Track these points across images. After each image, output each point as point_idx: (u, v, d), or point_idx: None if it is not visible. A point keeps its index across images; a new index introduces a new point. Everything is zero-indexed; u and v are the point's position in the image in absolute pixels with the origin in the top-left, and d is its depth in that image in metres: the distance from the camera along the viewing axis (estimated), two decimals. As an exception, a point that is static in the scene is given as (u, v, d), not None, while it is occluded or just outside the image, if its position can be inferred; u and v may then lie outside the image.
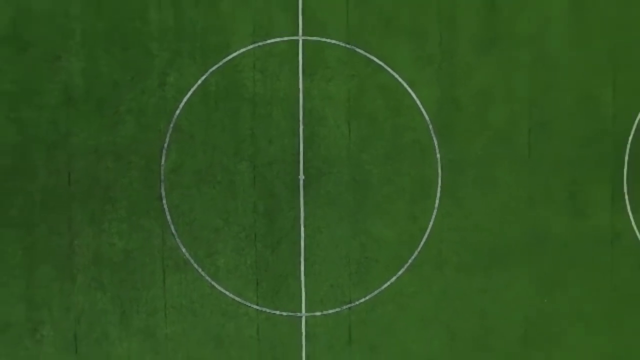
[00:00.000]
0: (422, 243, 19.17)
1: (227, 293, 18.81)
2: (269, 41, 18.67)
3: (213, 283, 18.79)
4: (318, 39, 18.73)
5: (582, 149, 19.45)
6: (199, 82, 18.63)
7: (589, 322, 19.59)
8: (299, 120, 18.72)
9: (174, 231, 18.68)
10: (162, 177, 18.60)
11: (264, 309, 18.88)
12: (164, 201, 18.62)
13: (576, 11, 19.15)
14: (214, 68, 18.61)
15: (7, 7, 18.05)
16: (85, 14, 18.32)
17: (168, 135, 18.57)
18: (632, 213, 19.47)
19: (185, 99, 18.59)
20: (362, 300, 19.08)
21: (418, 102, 18.96)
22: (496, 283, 19.47)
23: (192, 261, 18.73)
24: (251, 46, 18.65)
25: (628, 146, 19.43)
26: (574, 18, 19.20)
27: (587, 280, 19.57)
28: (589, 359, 19.63)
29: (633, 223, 19.51)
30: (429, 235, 19.18)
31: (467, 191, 19.27)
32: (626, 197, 19.52)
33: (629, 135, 19.44)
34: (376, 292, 19.11)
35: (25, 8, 18.13)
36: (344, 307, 19.04)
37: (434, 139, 19.05)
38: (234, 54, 18.62)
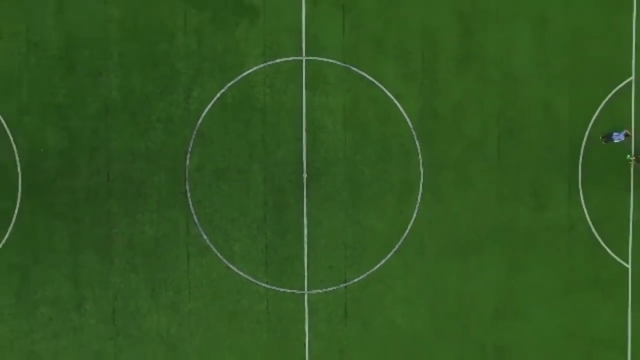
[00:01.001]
0: (406, 232, 22.22)
1: (241, 274, 21.86)
2: (276, 61, 21.67)
3: (229, 265, 21.83)
4: (318, 59, 21.73)
5: (544, 152, 22.49)
6: (218, 95, 21.59)
7: (550, 298, 22.66)
8: (302, 128, 21.71)
9: (196, 221, 21.68)
10: (187, 175, 21.60)
11: (272, 287, 21.92)
12: (188, 196, 21.64)
13: (537, 36, 22.21)
14: (230, 84, 21.58)
15: (60, 34, 21.00)
16: (122, 39, 21.25)
17: (192, 140, 21.57)
18: (586, 206, 22.55)
19: (206, 110, 21.59)
20: (356, 280, 22.15)
21: (403, 112, 22.01)
22: (470, 266, 22.49)
23: (211, 247, 21.77)
24: (262, 65, 21.64)
25: (582, 150, 22.51)
26: (535, 42, 22.25)
27: (547, 263, 22.63)
28: (550, 330, 22.72)
29: (586, 215, 22.60)
30: (412, 226, 22.20)
31: (445, 189, 22.28)
32: (581, 193, 22.59)
33: (583, 141, 22.50)
34: (368, 273, 22.17)
35: (74, 34, 21.03)
36: (341, 285, 22.09)
37: (417, 144, 22.09)
38: (247, 72, 21.61)
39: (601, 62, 22.42)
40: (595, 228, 22.64)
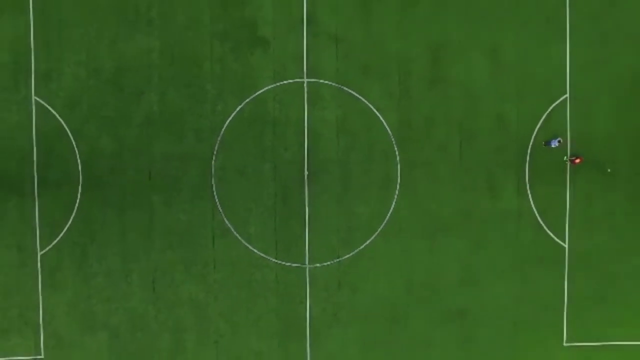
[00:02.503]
0: (387, 218, 27.68)
1: (255, 251, 27.33)
2: (283, 82, 27.15)
3: (246, 244, 27.30)
4: (317, 80, 27.24)
5: (497, 155, 27.93)
6: (237, 110, 27.09)
7: (502, 271, 28.00)
8: (304, 136, 27.19)
9: (220, 209, 27.15)
10: (213, 173, 27.09)
11: (280, 262, 27.37)
12: (214, 189, 27.13)
13: (490, 62, 27.62)
14: (247, 100, 27.09)
15: (112, 62, 26.57)
16: (161, 65, 26.74)
17: (216, 145, 27.05)
18: (531, 198, 27.99)
19: (227, 121, 27.09)
20: (347, 256, 27.60)
21: (384, 123, 27.50)
22: (439, 245, 27.88)
23: (232, 229, 27.24)
24: (271, 86, 27.14)
25: (528, 153, 27.95)
26: (489, 67, 27.66)
27: (500, 243, 27.98)
28: (502, 296, 27.97)
29: (532, 204, 27.99)
30: (392, 213, 27.67)
31: (418, 183, 27.71)
32: (527, 187, 28.03)
33: (529, 146, 27.94)
34: (356, 251, 27.62)
35: (123, 62, 26.58)
36: (335, 260, 27.53)
37: (395, 148, 27.58)
38: (261, 91, 27.13)
39: (542, 83, 27.84)
40: (538, 215, 28.05)
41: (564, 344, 28.39)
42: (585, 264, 28.23)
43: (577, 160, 27.64)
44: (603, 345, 28.45)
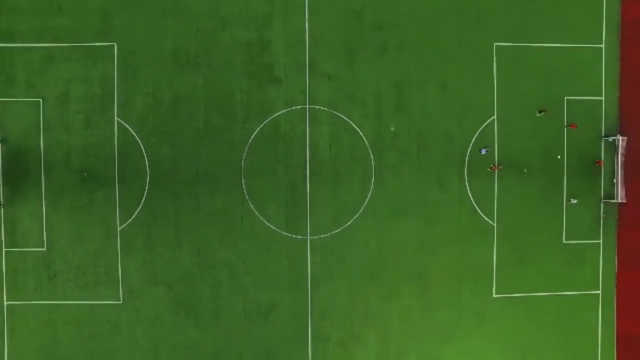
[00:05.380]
0: (365, 204, 38.43)
1: (272, 227, 38.04)
2: (292, 108, 37.93)
3: (265, 222, 38.04)
4: (315, 107, 38.09)
5: (445, 159, 38.66)
6: (259, 127, 37.87)
7: (448, 242, 38.61)
8: (306, 146, 38.01)
9: (247, 198, 37.96)
10: (242, 172, 37.86)
11: (289, 235, 38.08)
12: (243, 183, 37.88)
13: (440, 93, 38.39)
14: (266, 121, 37.88)
15: (170, 93, 37.49)
16: (205, 95, 37.54)
17: (245, 152, 37.79)
18: (469, 190, 38.77)
19: (252, 136, 37.85)
20: (337, 231, 38.34)
21: (363, 137, 38.31)
22: (402, 224, 38.54)
23: (255, 212, 37.99)
24: (284, 111, 37.93)
25: (467, 157, 38.77)
26: (440, 96, 38.42)
27: (447, 222, 38.53)
28: (449, 262, 38.49)
29: (470, 194, 38.80)
30: (368, 200, 38.41)
31: (387, 180, 38.40)
32: (466, 182, 38.79)
33: (467, 153, 38.76)
34: (343, 227, 38.29)
35: (178, 92, 37.44)
36: (328, 234, 38.27)
37: (371, 154, 38.39)
38: (276, 114, 37.90)
39: (477, 107, 38.51)
40: (474, 202, 38.68)
41: (494, 295, 38.99)
42: (508, 237, 38.84)
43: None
44: (521, 296, 39.08)
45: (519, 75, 38.71)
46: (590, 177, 39.39)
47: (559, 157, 38.99)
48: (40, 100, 37.16)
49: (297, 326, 38.14)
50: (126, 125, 37.47)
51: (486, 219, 38.82)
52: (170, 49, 37.34)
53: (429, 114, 38.48)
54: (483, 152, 38.46)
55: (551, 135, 39.03)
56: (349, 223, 38.41)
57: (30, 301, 37.43)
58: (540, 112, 38.57)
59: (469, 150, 38.69)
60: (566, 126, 38.95)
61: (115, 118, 37.43)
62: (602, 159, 39.42)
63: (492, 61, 38.59)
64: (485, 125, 38.73)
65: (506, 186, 38.87)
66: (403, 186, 38.52)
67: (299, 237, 38.19)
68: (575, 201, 38.88)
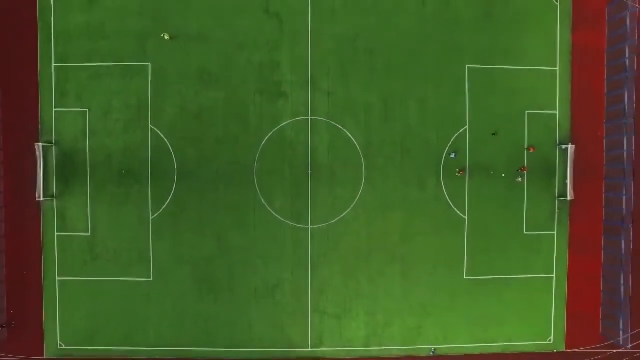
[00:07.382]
0: (357, 198, 45.45)
1: (279, 217, 45.10)
2: (296, 119, 44.98)
3: (273, 213, 45.14)
4: (316, 117, 45.21)
5: (424, 161, 45.72)
6: (269, 135, 44.93)
7: (426, 233, 45.26)
8: (308, 151, 45.10)
9: (258, 193, 45.05)
10: (254, 172, 44.90)
11: (293, 224, 45.16)
12: (255, 181, 44.95)
13: (420, 107, 45.34)
14: (275, 129, 44.90)
15: (194, 105, 44.87)
16: (224, 107, 44.55)
17: (257, 155, 44.83)
18: (444, 188, 45.88)
19: (263, 141, 44.92)
20: (333, 221, 45.41)
21: (355, 143, 45.49)
22: (388, 216, 45.29)
23: (265, 204, 45.12)
24: (289, 120, 44.95)
25: (442, 161, 45.82)
26: (420, 109, 45.30)
27: (424, 216, 45.29)
28: (426, 249, 45.27)
29: (445, 192, 45.90)
30: (359, 196, 45.45)
31: (375, 179, 45.31)
32: (442, 181, 45.83)
33: (442, 157, 45.81)
34: (338, 218, 45.32)
35: (201, 105, 44.64)
36: (326, 224, 45.45)
37: (362, 158, 45.49)
38: (283, 124, 44.91)
39: (451, 118, 45.13)
40: (449, 198, 45.55)
41: (464, 277, 45.91)
42: (477, 228, 45.45)
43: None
44: (487, 278, 45.98)
45: (487, 92, 45.48)
46: (546, 179, 46.45)
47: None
48: (87, 110, 44.41)
49: (298, 300, 45.13)
50: (158, 131, 44.61)
51: (458, 212, 45.66)
52: (195, 68, 44.40)
53: (410, 125, 45.31)
54: (452, 155, 45.47)
55: (514, 142, 45.58)
56: (343, 215, 45.37)
57: (77, 277, 44.72)
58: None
59: (444, 155, 45.66)
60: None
61: (149, 125, 44.59)
62: (557, 163, 46.33)
63: (465, 80, 45.38)
64: (458, 134, 45.60)
65: (475, 185, 45.65)
66: (389, 185, 45.40)
67: (301, 226, 45.18)
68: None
